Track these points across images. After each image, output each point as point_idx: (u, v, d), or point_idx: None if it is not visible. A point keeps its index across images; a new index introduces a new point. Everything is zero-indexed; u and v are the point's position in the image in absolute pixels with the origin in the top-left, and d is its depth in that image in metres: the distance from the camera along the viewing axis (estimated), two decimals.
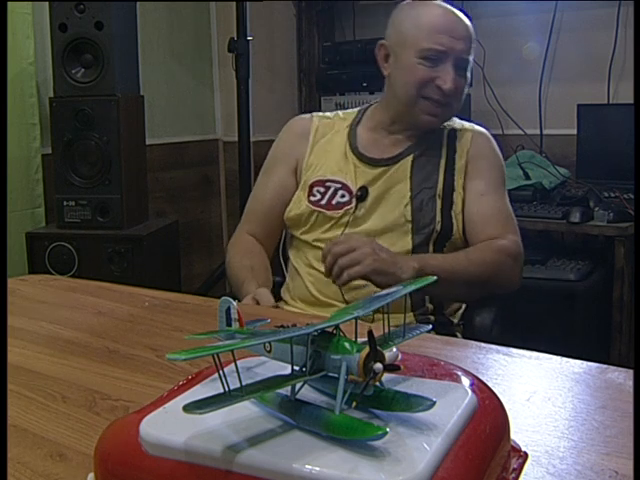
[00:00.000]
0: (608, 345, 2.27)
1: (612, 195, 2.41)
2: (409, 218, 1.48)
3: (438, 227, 1.49)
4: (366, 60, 2.82)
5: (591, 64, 2.72)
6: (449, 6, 1.53)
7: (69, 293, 1.39)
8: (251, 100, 2.73)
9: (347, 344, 0.54)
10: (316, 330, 0.55)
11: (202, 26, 3.22)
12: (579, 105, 2.63)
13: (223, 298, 0.68)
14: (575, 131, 2.63)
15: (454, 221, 1.50)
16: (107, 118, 2.33)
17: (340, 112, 1.67)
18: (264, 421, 0.55)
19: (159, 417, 0.57)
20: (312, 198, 1.55)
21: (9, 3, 2.35)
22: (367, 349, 0.52)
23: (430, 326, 0.66)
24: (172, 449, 0.53)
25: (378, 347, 0.52)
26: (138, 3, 2.53)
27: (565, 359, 0.92)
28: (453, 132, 1.57)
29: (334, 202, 1.53)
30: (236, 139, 2.79)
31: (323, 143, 1.60)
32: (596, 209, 2.31)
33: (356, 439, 0.50)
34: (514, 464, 0.61)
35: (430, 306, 1.51)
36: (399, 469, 0.48)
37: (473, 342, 1.03)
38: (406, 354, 0.66)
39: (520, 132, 2.86)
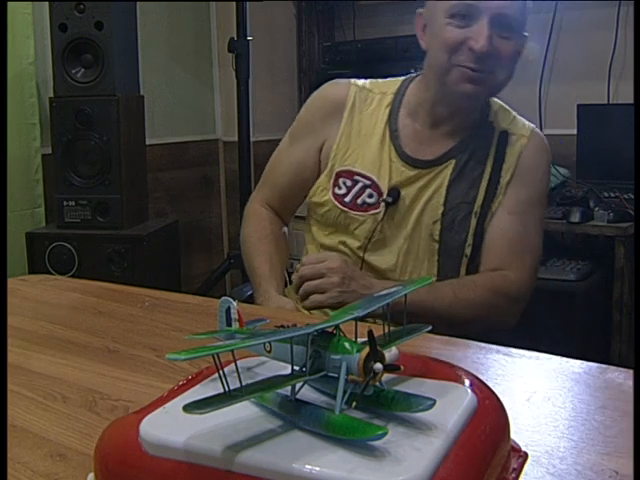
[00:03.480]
0: (608, 345, 2.27)
1: (612, 195, 2.41)
2: (436, 238, 1.33)
3: (468, 251, 1.33)
4: (366, 60, 2.82)
5: (591, 64, 2.72)
6: None
7: (69, 293, 1.39)
8: (251, 100, 2.73)
9: (347, 344, 0.54)
10: (316, 330, 0.55)
11: (202, 26, 3.22)
12: (579, 105, 2.63)
13: (223, 298, 0.68)
14: (575, 131, 2.63)
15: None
16: (107, 118, 2.33)
17: (380, 81, 1.46)
18: (264, 421, 0.55)
19: (159, 417, 0.57)
20: (337, 190, 1.39)
21: (9, 3, 2.35)
22: (367, 349, 0.52)
23: (430, 326, 0.66)
24: (172, 449, 0.53)
25: (378, 347, 0.52)
26: (138, 3, 2.53)
27: (565, 359, 0.92)
28: (505, 136, 1.37)
29: (359, 201, 1.37)
30: (236, 139, 2.79)
31: (359, 123, 1.40)
32: (596, 209, 2.31)
33: (356, 439, 0.50)
34: (514, 464, 0.60)
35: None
36: (399, 469, 0.48)
37: (473, 342, 1.03)
38: (406, 354, 0.66)
39: None
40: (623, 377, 0.85)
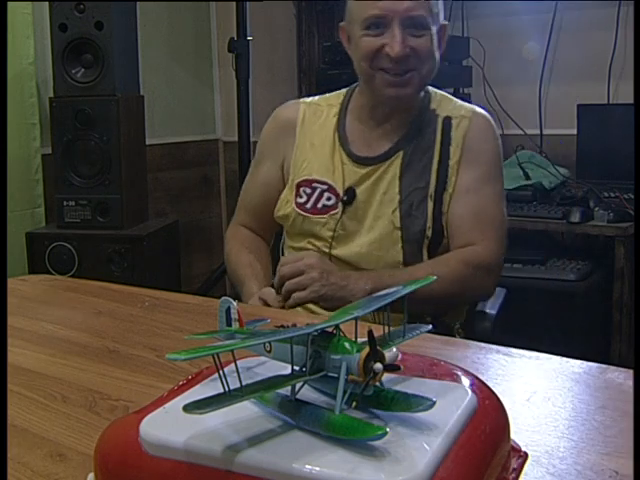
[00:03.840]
0: (608, 345, 2.27)
1: (612, 195, 2.41)
2: (398, 225, 1.40)
3: (429, 233, 1.39)
4: None
5: (591, 64, 2.72)
6: None
7: (69, 293, 1.39)
8: (251, 100, 2.73)
9: (347, 344, 0.54)
10: (316, 330, 0.55)
11: (202, 26, 3.23)
12: (579, 105, 2.63)
13: (223, 298, 0.68)
14: (575, 131, 2.63)
15: (444, 224, 1.41)
16: (107, 118, 2.33)
17: (328, 95, 1.57)
18: (264, 421, 0.55)
19: (159, 417, 0.57)
20: (299, 200, 1.48)
21: (9, 3, 2.35)
22: (367, 349, 0.52)
23: (430, 326, 0.66)
24: (172, 449, 0.53)
25: (378, 347, 0.52)
26: (138, 3, 2.53)
27: (565, 359, 0.92)
28: (448, 121, 1.44)
29: (319, 205, 1.46)
30: (236, 139, 2.79)
31: (311, 135, 1.51)
32: (596, 209, 2.31)
33: (356, 439, 0.50)
34: (514, 464, 0.60)
35: (428, 319, 1.47)
36: (399, 469, 0.48)
37: (473, 342, 1.03)
38: (406, 354, 0.66)
39: (520, 132, 2.86)
40: (623, 377, 0.85)
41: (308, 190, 1.48)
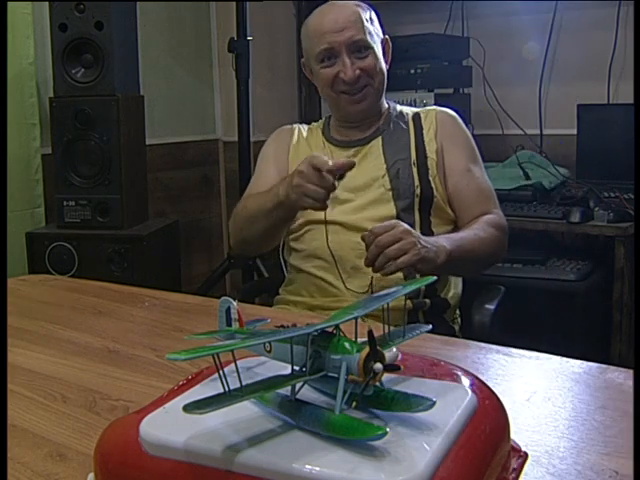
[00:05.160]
0: (608, 345, 2.27)
1: (612, 195, 2.40)
2: (388, 187, 1.55)
3: (418, 191, 1.55)
4: None
5: (591, 64, 2.72)
6: (331, 4, 1.62)
7: (69, 293, 1.39)
8: (251, 100, 2.73)
9: (347, 344, 0.54)
10: (316, 330, 0.55)
11: (202, 26, 3.22)
12: (579, 105, 2.63)
13: (223, 298, 0.68)
14: (575, 131, 2.63)
15: (433, 185, 1.56)
16: (107, 118, 2.33)
17: (314, 123, 1.77)
18: (264, 421, 0.55)
19: (159, 417, 0.57)
20: None
21: (9, 3, 2.35)
22: (367, 349, 0.52)
23: (430, 326, 0.66)
24: (172, 449, 0.53)
25: (378, 347, 0.52)
26: (138, 3, 2.53)
27: (565, 359, 0.92)
28: (417, 115, 1.66)
29: None
30: (236, 139, 2.78)
31: (304, 146, 1.68)
32: (596, 209, 2.31)
33: (356, 439, 0.50)
34: (514, 464, 0.61)
35: (422, 288, 1.51)
36: (399, 469, 0.48)
37: (473, 342, 1.03)
38: (406, 354, 0.66)
39: (520, 132, 2.86)
40: (623, 377, 0.86)
41: None
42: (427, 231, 1.53)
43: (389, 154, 1.60)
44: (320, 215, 1.52)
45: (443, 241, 1.40)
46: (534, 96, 2.84)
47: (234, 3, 2.70)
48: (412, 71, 2.59)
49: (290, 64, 3.39)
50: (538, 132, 2.85)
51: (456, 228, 1.59)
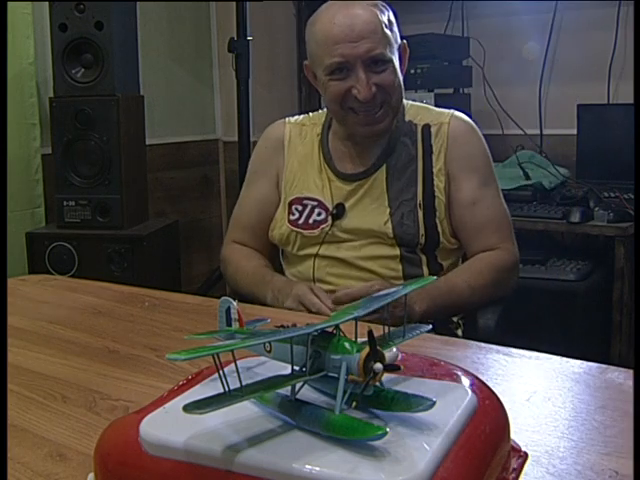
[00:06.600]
0: (608, 345, 2.27)
1: (612, 195, 2.40)
2: (391, 235, 1.44)
3: (422, 240, 1.44)
4: None
5: (591, 64, 2.72)
6: (344, 4, 1.39)
7: (69, 293, 1.39)
8: (251, 100, 2.73)
9: (347, 344, 0.54)
10: (316, 330, 0.55)
11: (202, 26, 3.22)
12: (579, 105, 2.63)
13: (223, 298, 0.68)
14: (575, 131, 2.63)
15: (439, 229, 1.45)
16: (107, 118, 2.33)
17: (312, 114, 1.61)
18: (264, 421, 0.55)
19: (159, 417, 0.57)
20: (291, 217, 1.52)
21: (9, 3, 2.35)
22: (367, 349, 0.52)
23: (430, 326, 0.66)
24: (172, 449, 0.53)
25: (378, 347, 0.52)
26: (138, 3, 2.53)
27: (565, 359, 0.92)
28: (427, 129, 1.47)
29: (311, 221, 1.50)
30: (236, 139, 2.78)
31: (297, 155, 1.55)
32: (596, 209, 2.31)
33: (356, 439, 0.50)
34: (514, 464, 0.61)
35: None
36: (399, 469, 0.48)
37: (473, 342, 1.03)
38: (406, 354, 0.66)
39: (520, 132, 2.86)
40: (623, 377, 0.85)
41: (299, 207, 1.52)
42: (435, 265, 1.47)
43: (393, 192, 1.45)
44: (316, 249, 1.49)
45: (419, 301, 1.31)
46: (534, 96, 2.84)
47: (234, 3, 2.70)
48: (412, 71, 2.59)
49: (290, 64, 3.39)
50: (538, 132, 2.85)
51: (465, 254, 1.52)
